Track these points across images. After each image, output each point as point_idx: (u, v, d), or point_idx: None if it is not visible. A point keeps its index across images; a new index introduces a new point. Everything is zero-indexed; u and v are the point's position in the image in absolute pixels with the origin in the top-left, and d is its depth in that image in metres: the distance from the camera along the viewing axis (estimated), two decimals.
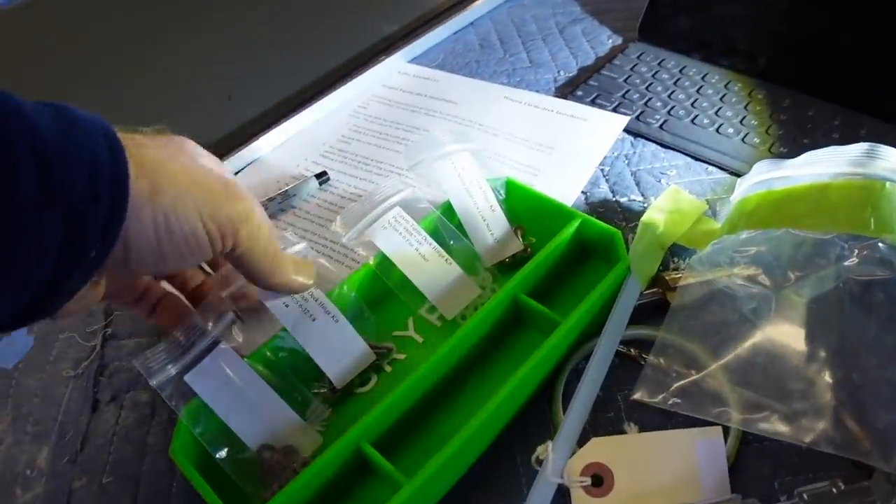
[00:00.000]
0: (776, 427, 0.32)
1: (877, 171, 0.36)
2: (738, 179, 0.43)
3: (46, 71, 0.54)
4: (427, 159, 0.42)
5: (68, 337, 0.42)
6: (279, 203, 0.48)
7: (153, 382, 0.33)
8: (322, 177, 0.50)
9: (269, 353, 0.37)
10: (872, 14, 0.48)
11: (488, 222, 0.42)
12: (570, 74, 0.58)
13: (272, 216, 0.47)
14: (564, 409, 0.35)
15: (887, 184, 0.36)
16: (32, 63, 0.55)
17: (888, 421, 0.31)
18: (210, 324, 0.34)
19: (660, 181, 0.48)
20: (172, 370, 0.33)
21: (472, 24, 0.65)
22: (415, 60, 0.61)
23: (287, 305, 0.36)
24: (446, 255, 0.40)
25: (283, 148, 0.54)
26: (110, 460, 0.36)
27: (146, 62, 0.57)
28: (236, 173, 0.51)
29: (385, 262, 0.39)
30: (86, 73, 0.54)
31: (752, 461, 0.33)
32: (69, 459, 0.36)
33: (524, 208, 0.44)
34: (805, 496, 0.30)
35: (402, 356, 0.39)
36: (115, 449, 0.37)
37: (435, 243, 0.40)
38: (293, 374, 0.37)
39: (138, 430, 0.37)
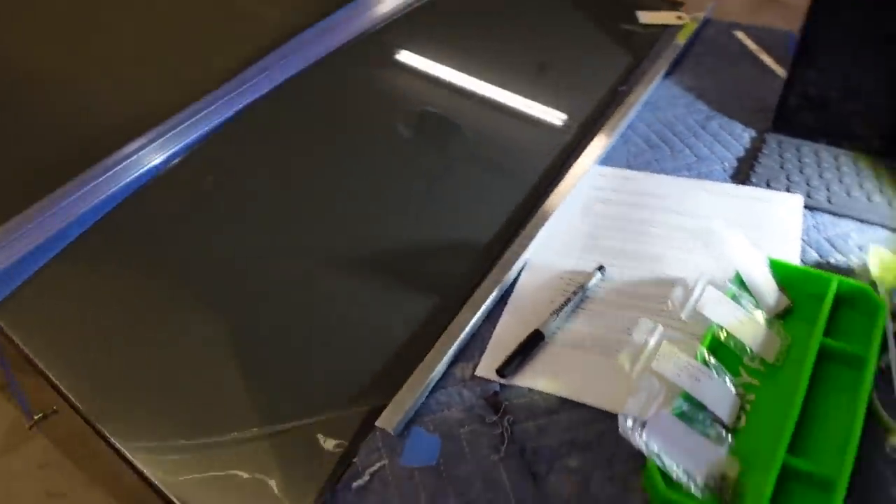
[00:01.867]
0: None
1: None
2: None
3: None
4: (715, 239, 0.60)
5: (469, 430, 0.55)
6: (580, 297, 0.63)
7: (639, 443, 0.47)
8: (602, 269, 0.66)
9: (683, 407, 0.52)
10: None
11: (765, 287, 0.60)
12: (733, 164, 0.77)
13: (575, 310, 0.62)
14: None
15: None
16: None
17: None
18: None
19: (846, 242, 0.68)
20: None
21: (629, 127, 0.83)
22: (603, 163, 0.79)
23: (679, 374, 0.52)
24: (752, 314, 0.58)
25: (544, 251, 0.69)
26: None
27: None
28: (517, 277, 0.66)
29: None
30: None
31: None
32: None
33: (782, 276, 0.62)
34: None
35: (751, 396, 0.56)
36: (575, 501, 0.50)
37: (741, 308, 0.58)
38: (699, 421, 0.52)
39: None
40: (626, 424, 0.49)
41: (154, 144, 0.77)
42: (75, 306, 0.66)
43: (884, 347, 0.57)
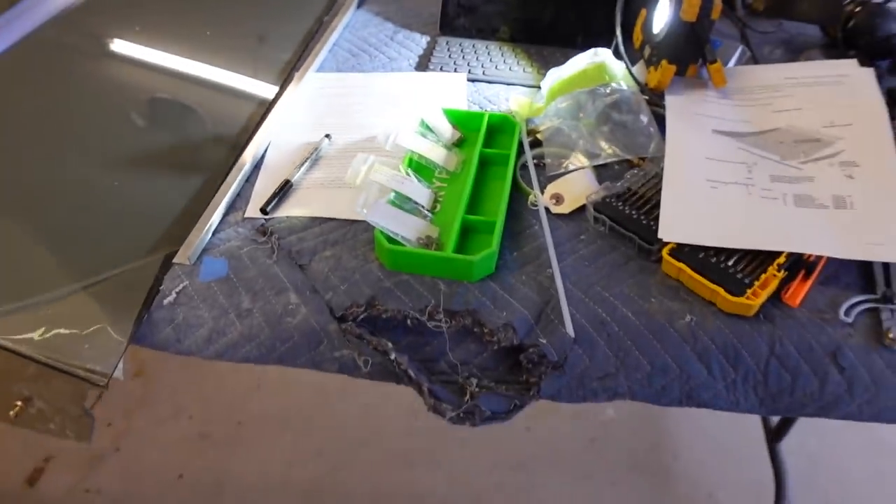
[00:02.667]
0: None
1: (601, 59, 0.90)
2: (542, 81, 0.94)
3: None
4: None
5: (247, 250, 0.75)
6: (316, 156, 0.86)
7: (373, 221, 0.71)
8: (328, 136, 0.89)
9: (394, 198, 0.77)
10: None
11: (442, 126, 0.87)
12: (415, 61, 1.05)
13: (313, 165, 0.85)
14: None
15: (606, 62, 0.91)
16: None
17: None
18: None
19: (498, 97, 0.98)
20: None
21: (336, 44, 1.07)
22: (319, 71, 1.02)
23: (389, 180, 0.76)
24: (436, 144, 0.84)
25: (284, 133, 0.90)
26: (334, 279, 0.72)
27: None
28: (263, 154, 0.86)
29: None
30: None
31: None
32: (313, 290, 0.71)
33: (454, 119, 0.90)
34: None
35: (442, 194, 0.82)
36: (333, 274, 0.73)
37: (428, 140, 0.84)
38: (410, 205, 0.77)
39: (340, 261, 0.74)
40: (359, 210, 0.73)
41: None
42: None
43: (520, 151, 0.86)
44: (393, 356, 0.66)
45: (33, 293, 0.70)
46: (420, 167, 0.83)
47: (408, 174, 0.80)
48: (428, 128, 0.87)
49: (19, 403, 0.72)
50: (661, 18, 0.92)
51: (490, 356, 0.69)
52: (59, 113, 0.89)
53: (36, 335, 0.67)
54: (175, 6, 1.13)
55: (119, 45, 1.00)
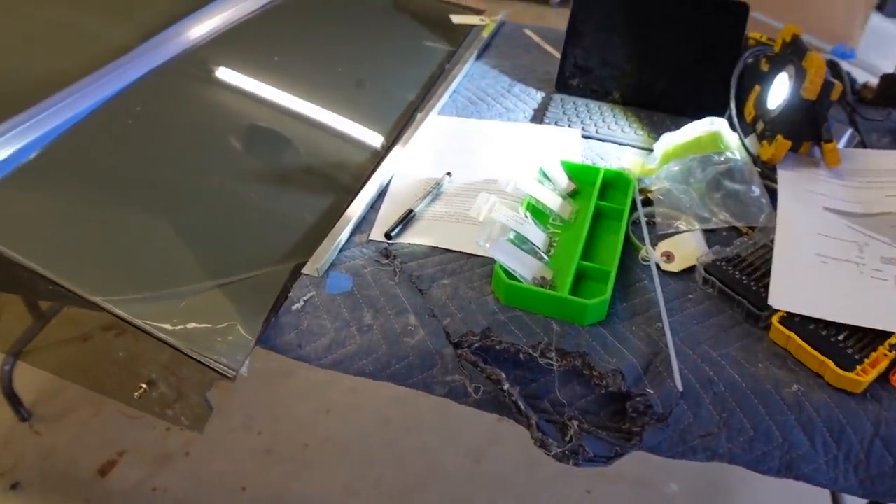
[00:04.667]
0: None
1: (717, 128, 0.94)
2: (655, 144, 0.98)
3: None
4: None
5: (371, 270, 0.79)
6: (437, 190, 0.90)
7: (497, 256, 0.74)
8: (449, 174, 0.93)
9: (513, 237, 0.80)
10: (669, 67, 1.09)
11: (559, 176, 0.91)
12: (530, 113, 1.09)
13: (435, 199, 0.89)
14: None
15: (720, 131, 0.94)
16: None
17: None
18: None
19: (609, 155, 1.01)
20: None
21: (455, 91, 1.13)
22: (440, 114, 1.07)
23: (509, 220, 0.80)
24: (552, 192, 0.88)
25: (406, 168, 0.95)
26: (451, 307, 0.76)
27: None
28: (389, 182, 0.91)
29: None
30: None
31: None
32: (431, 314, 0.75)
33: (570, 171, 0.93)
34: None
35: (556, 239, 0.86)
36: (450, 302, 0.76)
37: (545, 188, 0.88)
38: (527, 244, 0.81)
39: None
40: (481, 244, 0.76)
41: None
42: (35, 212, 0.80)
43: (633, 207, 0.89)
44: (505, 387, 0.69)
45: (173, 285, 0.75)
46: (536, 212, 0.86)
47: (526, 216, 0.83)
48: (546, 176, 0.91)
49: (144, 386, 0.76)
50: (778, 95, 0.94)
51: (594, 400, 0.71)
52: (207, 129, 0.97)
53: (172, 324, 0.72)
54: (310, 41, 1.21)
55: (258, 74, 1.08)
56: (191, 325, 0.72)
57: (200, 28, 1.14)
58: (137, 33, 1.10)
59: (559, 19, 3.39)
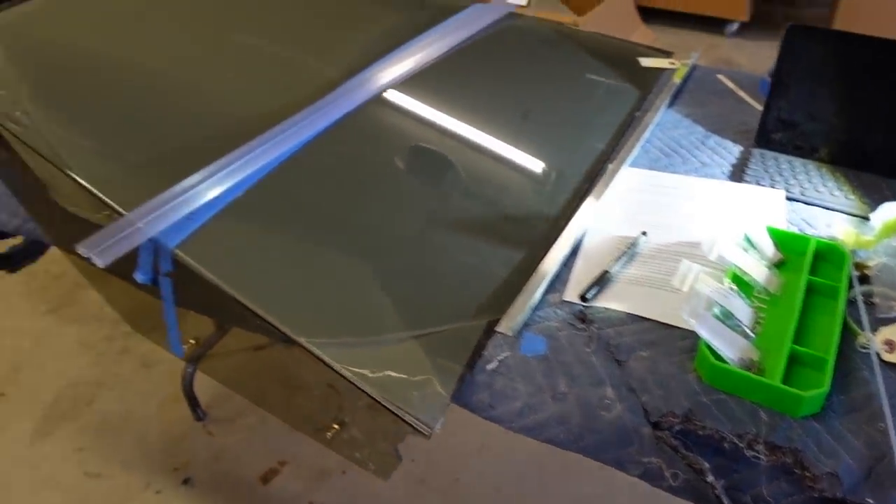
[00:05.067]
0: None
1: None
2: (872, 213, 0.89)
3: None
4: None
5: (566, 334, 0.77)
6: (632, 251, 0.87)
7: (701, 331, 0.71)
8: (644, 233, 0.90)
9: (718, 312, 0.76)
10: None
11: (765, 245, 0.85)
12: (729, 169, 1.04)
13: (630, 260, 0.86)
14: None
15: None
16: None
17: None
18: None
19: (817, 221, 0.94)
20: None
21: (647, 141, 1.09)
22: (632, 166, 1.04)
23: (714, 293, 0.75)
24: (758, 261, 0.82)
25: (599, 223, 0.93)
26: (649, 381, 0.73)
27: None
28: (582, 238, 0.89)
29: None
30: None
31: None
32: (629, 388, 0.72)
33: (776, 238, 0.87)
34: None
35: (762, 315, 0.80)
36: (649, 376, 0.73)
37: (751, 256, 0.82)
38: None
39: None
40: (685, 318, 0.73)
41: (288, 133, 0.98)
42: (245, 246, 0.85)
43: (850, 284, 0.82)
44: (709, 479, 0.65)
45: (371, 332, 0.77)
46: (740, 283, 0.82)
47: (731, 289, 0.79)
48: (751, 243, 0.86)
49: (336, 427, 0.79)
50: None
51: (803, 501, 0.65)
52: (403, 172, 0.99)
53: (370, 371, 0.74)
54: (498, 85, 1.22)
55: (449, 117, 1.09)
56: (388, 375, 0.74)
57: (393, 70, 1.17)
58: (336, 74, 1.15)
59: (735, 51, 3.24)
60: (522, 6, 1.24)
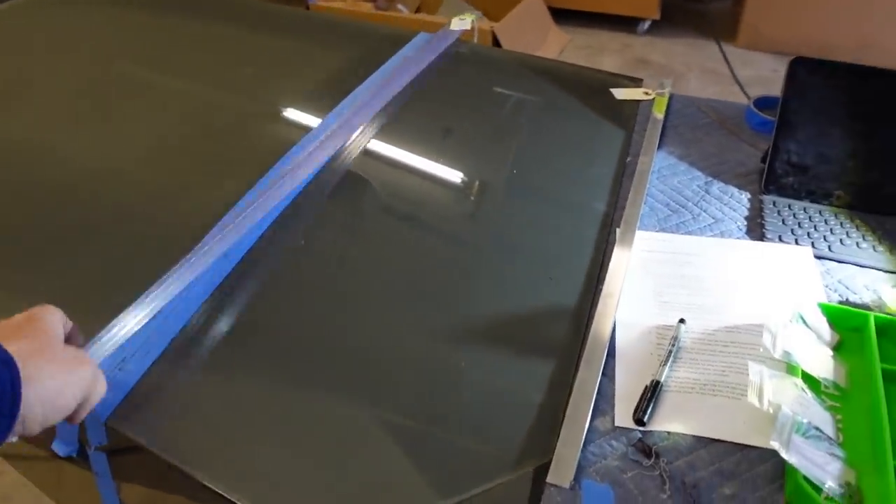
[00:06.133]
0: None
1: None
2: None
3: None
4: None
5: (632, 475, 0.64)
6: (676, 347, 0.75)
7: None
8: (682, 321, 0.77)
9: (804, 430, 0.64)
10: None
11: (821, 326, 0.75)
12: (744, 223, 0.93)
13: (675, 359, 0.73)
14: None
15: None
16: None
17: None
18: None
19: (855, 282, 0.84)
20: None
21: (648, 192, 0.97)
22: (640, 228, 0.92)
23: (794, 405, 0.64)
24: (819, 349, 0.72)
25: (625, 309, 0.80)
26: None
27: None
28: (612, 335, 0.76)
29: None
30: None
31: None
32: None
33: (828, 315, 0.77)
34: None
35: (839, 416, 0.69)
36: None
37: (813, 344, 0.72)
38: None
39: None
40: (773, 444, 0.61)
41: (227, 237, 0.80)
42: (200, 402, 0.67)
43: None
44: None
45: None
46: (808, 379, 0.71)
47: (805, 391, 0.67)
48: (805, 323, 0.75)
49: None
50: None
51: None
52: (382, 277, 0.83)
53: None
54: (469, 145, 1.07)
55: (417, 194, 0.94)
56: None
57: (347, 129, 1.00)
58: (286, 136, 0.97)
59: (649, 49, 3.22)
60: (467, 30, 1.10)
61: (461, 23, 1.32)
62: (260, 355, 0.72)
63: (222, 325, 0.74)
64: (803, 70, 0.97)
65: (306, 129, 1.01)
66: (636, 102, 1.18)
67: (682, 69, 3.03)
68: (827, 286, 0.84)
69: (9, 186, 0.94)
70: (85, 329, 0.61)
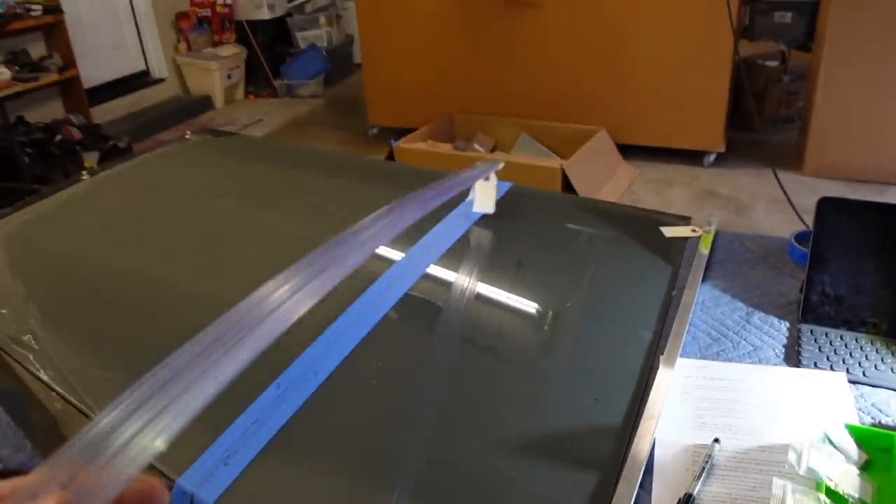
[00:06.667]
0: None
1: None
2: None
3: None
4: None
5: None
6: (710, 465, 0.82)
7: None
8: (717, 441, 0.85)
9: None
10: None
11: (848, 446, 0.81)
12: (782, 351, 1.01)
13: (709, 476, 0.81)
14: None
15: None
16: None
17: None
18: None
19: (889, 406, 0.90)
20: None
21: (691, 322, 1.07)
22: (682, 356, 1.01)
23: None
24: (846, 467, 0.78)
25: (664, 430, 0.88)
26: None
27: None
28: (651, 450, 0.84)
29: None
30: None
31: None
32: None
33: (855, 435, 0.83)
34: None
35: None
36: None
37: (840, 462, 0.78)
38: None
39: None
40: None
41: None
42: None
43: None
44: None
45: None
46: (833, 495, 0.77)
47: None
48: (831, 442, 0.81)
49: None
50: None
51: None
52: (442, 383, 0.95)
53: None
54: (526, 283, 1.20)
55: (474, 326, 1.06)
56: None
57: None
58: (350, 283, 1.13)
59: (716, 181, 3.35)
60: (499, 169, 1.25)
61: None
62: (334, 466, 0.85)
63: (309, 432, 0.87)
64: (830, 208, 1.07)
65: (389, 262, 1.17)
66: (684, 239, 1.29)
67: (749, 200, 3.13)
68: (860, 409, 0.91)
69: (118, 306, 1.12)
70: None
